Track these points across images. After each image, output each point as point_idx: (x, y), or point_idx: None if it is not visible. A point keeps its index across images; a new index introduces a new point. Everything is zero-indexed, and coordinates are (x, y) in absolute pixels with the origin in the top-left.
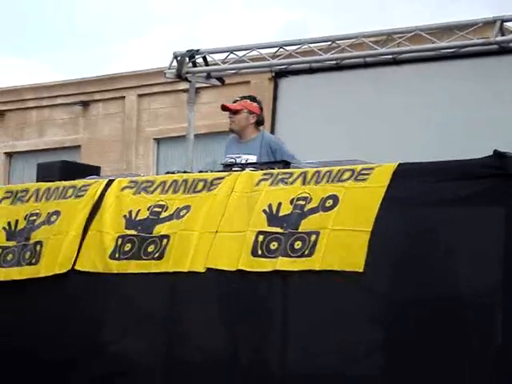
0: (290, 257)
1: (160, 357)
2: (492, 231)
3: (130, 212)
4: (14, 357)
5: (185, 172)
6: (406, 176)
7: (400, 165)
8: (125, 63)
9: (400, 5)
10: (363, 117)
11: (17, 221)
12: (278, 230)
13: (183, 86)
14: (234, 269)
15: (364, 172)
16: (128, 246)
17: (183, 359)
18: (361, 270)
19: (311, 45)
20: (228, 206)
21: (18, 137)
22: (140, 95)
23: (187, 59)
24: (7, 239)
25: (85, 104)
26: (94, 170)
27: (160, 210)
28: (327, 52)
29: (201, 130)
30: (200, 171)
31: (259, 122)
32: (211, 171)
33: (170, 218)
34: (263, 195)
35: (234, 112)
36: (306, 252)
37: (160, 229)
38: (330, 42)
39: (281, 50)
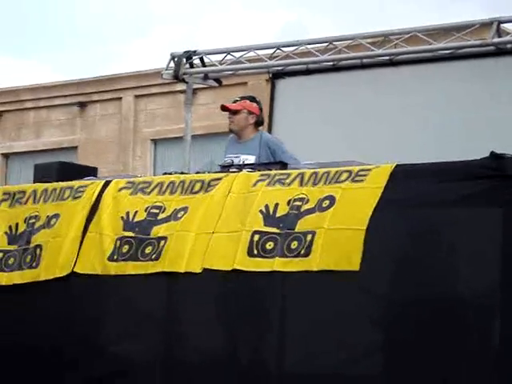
0: (287, 257)
1: (159, 357)
2: (489, 232)
3: (128, 213)
4: (14, 357)
5: (182, 173)
6: (404, 177)
7: (397, 166)
8: (124, 64)
9: (399, 5)
10: (360, 118)
11: (17, 224)
12: (275, 230)
13: (180, 86)
14: (229, 268)
15: (361, 173)
16: (126, 248)
17: (182, 359)
18: (357, 269)
19: (308, 46)
20: (225, 207)
21: (15, 138)
22: (137, 96)
23: (184, 60)
24: (9, 243)
25: (82, 105)
26: (91, 171)
27: (157, 211)
28: (324, 53)
29: (198, 130)
30: (197, 172)
31: (259, 123)
32: (208, 172)
33: (167, 219)
34: (260, 196)
35: (234, 112)
36: (302, 252)
37: (157, 230)
38: (327, 43)
39: (278, 51)
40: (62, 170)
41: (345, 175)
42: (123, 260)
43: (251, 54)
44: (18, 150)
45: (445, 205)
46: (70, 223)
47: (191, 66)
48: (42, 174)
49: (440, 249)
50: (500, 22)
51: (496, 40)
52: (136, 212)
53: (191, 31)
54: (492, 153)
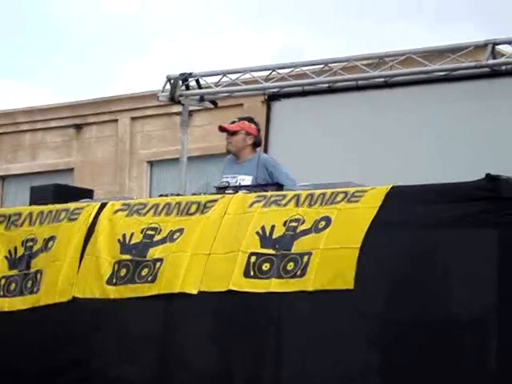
0: (283, 278)
1: (155, 379)
2: (485, 253)
3: (124, 236)
4: (12, 381)
5: (178, 195)
6: (399, 198)
7: (393, 187)
8: (120, 86)
9: (395, 26)
10: (356, 139)
11: (15, 248)
12: (271, 251)
13: (176, 108)
14: (225, 289)
15: (357, 194)
16: (123, 271)
17: (179, 380)
18: (351, 287)
19: (304, 68)
20: (221, 228)
21: (12, 160)
22: (133, 118)
23: (180, 82)
24: (9, 268)
25: (78, 127)
26: (87, 193)
27: (153, 232)
28: (320, 75)
29: (194, 152)
30: (193, 194)
31: (257, 144)
32: (204, 194)
33: (163, 240)
34: (256, 217)
35: (232, 133)
36: (299, 273)
37: (154, 252)
38: (322, 65)
39: (274, 72)
40: (58, 193)
41: (341, 196)
42: (122, 284)
43: (247, 75)
44: (14, 172)
45: (440, 226)
46: (67, 246)
47: (187, 88)
48: (39, 196)
49: (435, 269)
50: (495, 44)
51: (491, 62)
52: (132, 234)
53: (187, 53)
54: (487, 174)
